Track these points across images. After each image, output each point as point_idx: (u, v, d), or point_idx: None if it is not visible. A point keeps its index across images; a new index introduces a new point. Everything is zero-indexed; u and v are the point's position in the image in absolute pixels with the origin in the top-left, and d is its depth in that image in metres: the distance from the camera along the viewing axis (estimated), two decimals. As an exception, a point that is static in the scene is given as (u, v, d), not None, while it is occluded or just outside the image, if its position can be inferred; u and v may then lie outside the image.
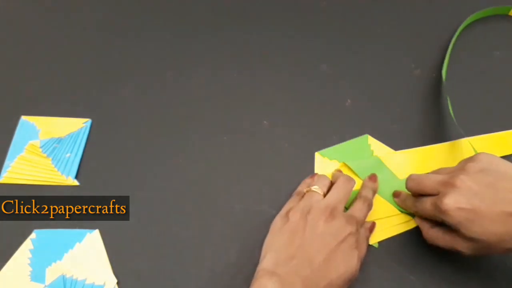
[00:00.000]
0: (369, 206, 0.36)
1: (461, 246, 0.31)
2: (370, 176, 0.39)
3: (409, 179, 0.35)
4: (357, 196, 0.37)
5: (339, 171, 0.40)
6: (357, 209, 0.35)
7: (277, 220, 0.34)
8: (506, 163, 0.31)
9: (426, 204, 0.33)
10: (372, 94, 0.47)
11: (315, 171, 0.41)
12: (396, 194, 0.38)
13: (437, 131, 0.44)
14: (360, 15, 0.53)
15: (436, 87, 0.47)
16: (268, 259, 0.31)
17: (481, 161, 0.31)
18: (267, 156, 0.42)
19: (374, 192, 0.38)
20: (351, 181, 0.36)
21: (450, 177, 0.32)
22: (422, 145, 0.43)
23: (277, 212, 0.36)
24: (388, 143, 0.43)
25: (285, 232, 0.32)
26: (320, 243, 0.31)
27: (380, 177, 0.39)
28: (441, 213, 0.31)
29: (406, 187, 0.36)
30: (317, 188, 0.35)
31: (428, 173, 0.36)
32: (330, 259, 0.30)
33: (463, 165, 0.32)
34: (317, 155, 0.42)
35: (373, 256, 0.36)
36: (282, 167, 0.42)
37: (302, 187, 0.38)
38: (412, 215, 0.37)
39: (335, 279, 0.30)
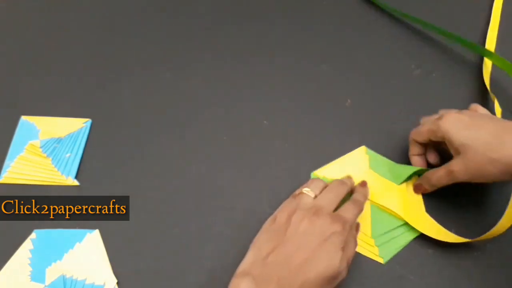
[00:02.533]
0: (359, 207, 0.35)
1: (453, 164, 0.34)
2: (361, 182, 0.39)
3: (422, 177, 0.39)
4: (348, 200, 0.37)
5: (349, 177, 0.39)
6: (346, 209, 0.34)
7: (267, 221, 0.34)
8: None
9: (424, 125, 0.37)
10: (372, 94, 0.47)
11: (344, 158, 0.41)
12: (416, 189, 0.40)
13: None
14: (360, 15, 0.53)
15: (436, 87, 0.47)
16: (247, 258, 0.31)
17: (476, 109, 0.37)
18: (267, 156, 0.42)
19: (365, 197, 0.37)
20: (344, 184, 0.36)
21: (441, 114, 0.36)
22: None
23: (277, 212, 0.36)
24: (388, 143, 0.43)
25: (269, 232, 0.32)
26: (300, 242, 0.30)
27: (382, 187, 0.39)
28: (440, 120, 0.34)
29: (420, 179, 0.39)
30: (309, 191, 0.35)
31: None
32: (310, 258, 0.30)
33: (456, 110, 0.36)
34: (362, 148, 0.42)
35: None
36: (282, 167, 0.42)
37: (297, 190, 0.37)
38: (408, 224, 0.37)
39: (312, 278, 0.29)
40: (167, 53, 0.50)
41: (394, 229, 0.37)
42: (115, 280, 0.35)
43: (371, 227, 0.37)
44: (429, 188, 0.38)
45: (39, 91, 0.47)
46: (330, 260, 0.30)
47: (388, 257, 0.36)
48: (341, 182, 0.36)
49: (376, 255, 0.36)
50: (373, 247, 0.37)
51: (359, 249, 0.36)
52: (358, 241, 0.36)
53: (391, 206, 0.38)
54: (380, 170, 0.40)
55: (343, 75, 0.48)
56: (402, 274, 0.36)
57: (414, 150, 0.39)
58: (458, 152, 0.33)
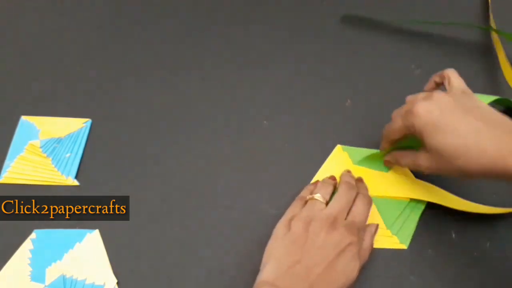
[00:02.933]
0: (369, 202, 0.36)
1: (421, 159, 0.33)
2: (357, 178, 0.39)
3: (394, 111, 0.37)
4: (355, 198, 0.37)
5: (349, 171, 0.40)
6: (358, 212, 0.35)
7: (280, 227, 0.34)
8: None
9: (398, 119, 0.35)
10: (372, 94, 0.47)
11: (327, 163, 0.41)
12: (386, 163, 0.40)
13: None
14: (360, 15, 0.53)
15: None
16: (268, 270, 0.31)
17: (463, 87, 0.34)
18: (267, 156, 0.42)
19: (367, 189, 0.38)
20: (352, 189, 0.36)
21: (429, 93, 0.33)
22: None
23: (277, 212, 0.36)
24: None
25: (287, 242, 0.32)
26: (319, 255, 0.31)
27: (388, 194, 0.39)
28: (411, 114, 0.32)
29: (391, 116, 0.37)
30: (319, 197, 0.35)
31: None
32: (329, 271, 0.30)
33: (449, 89, 0.34)
34: (338, 148, 0.42)
35: (373, 256, 0.36)
36: (282, 167, 0.42)
37: (305, 193, 0.37)
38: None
39: None
40: (167, 53, 0.50)
41: (402, 212, 0.38)
42: (115, 280, 0.35)
43: (381, 219, 0.38)
44: (396, 165, 0.39)
45: (39, 91, 0.47)
46: (349, 272, 0.31)
47: (408, 241, 0.37)
48: (349, 186, 0.37)
49: (397, 243, 0.37)
50: (391, 237, 0.37)
51: (379, 245, 0.37)
52: (377, 237, 0.36)
53: (389, 193, 0.39)
54: (364, 163, 0.41)
55: (343, 75, 0.48)
56: (402, 274, 0.36)
57: (386, 146, 0.38)
58: (427, 150, 0.33)
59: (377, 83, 0.47)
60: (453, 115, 0.31)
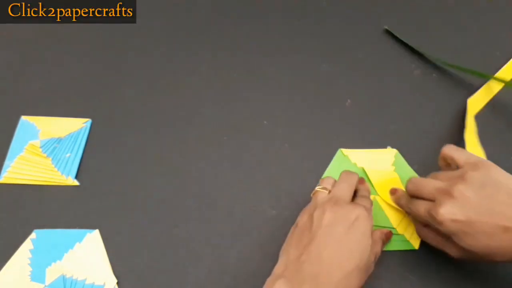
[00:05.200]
0: (370, 201, 0.36)
1: (451, 250, 0.32)
2: (359, 180, 0.39)
3: (409, 182, 0.35)
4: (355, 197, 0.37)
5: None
6: (361, 199, 0.35)
7: (291, 229, 0.33)
8: (507, 174, 0.31)
9: (421, 208, 0.33)
10: (372, 94, 0.47)
11: (331, 166, 0.41)
12: (392, 191, 0.38)
13: (437, 130, 0.44)
14: (360, 15, 0.53)
15: (436, 87, 0.47)
16: (278, 264, 0.31)
17: (482, 171, 0.31)
18: (267, 156, 0.42)
19: (369, 191, 0.38)
20: (353, 173, 0.36)
21: (449, 185, 0.31)
22: (422, 144, 0.43)
23: (277, 212, 0.37)
24: (387, 143, 0.43)
25: (294, 235, 0.32)
26: (327, 234, 0.30)
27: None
28: (435, 222, 0.31)
29: (406, 189, 0.36)
30: (321, 188, 0.35)
31: (428, 176, 0.35)
32: (341, 250, 0.29)
33: (464, 173, 0.31)
34: (339, 151, 0.42)
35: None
36: (282, 167, 0.42)
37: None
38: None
39: (350, 271, 0.29)
40: (166, 53, 0.50)
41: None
42: (115, 280, 0.35)
43: (389, 220, 0.38)
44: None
45: (39, 91, 0.47)
46: (361, 249, 0.30)
47: (418, 240, 0.37)
48: (350, 172, 0.36)
49: (407, 243, 0.37)
50: (399, 235, 0.37)
51: (390, 247, 0.37)
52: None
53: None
54: (400, 174, 0.40)
55: (343, 75, 0.48)
56: (402, 274, 0.36)
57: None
58: (459, 247, 0.31)
59: (377, 83, 0.47)
60: (479, 217, 0.29)
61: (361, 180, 0.39)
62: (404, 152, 0.42)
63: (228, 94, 0.47)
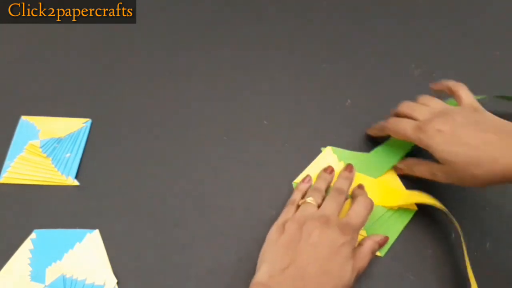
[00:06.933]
0: (368, 205, 0.35)
1: (436, 168, 0.35)
2: (358, 185, 0.39)
3: (403, 104, 0.39)
4: (352, 200, 0.37)
5: (346, 170, 0.40)
6: (355, 214, 0.34)
7: (273, 231, 0.34)
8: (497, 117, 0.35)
9: (408, 124, 0.36)
10: (372, 94, 0.47)
11: (314, 163, 0.41)
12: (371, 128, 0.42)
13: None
14: (360, 15, 0.53)
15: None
16: (262, 271, 0.31)
17: (480, 113, 0.35)
18: (267, 156, 0.42)
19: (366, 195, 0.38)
20: (342, 192, 0.37)
21: (444, 109, 0.35)
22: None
23: (277, 212, 0.36)
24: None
25: (280, 244, 0.32)
26: (313, 254, 0.31)
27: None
28: (422, 132, 0.34)
29: (398, 110, 0.39)
30: (312, 200, 0.35)
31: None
32: (323, 270, 0.30)
33: (463, 109, 0.35)
34: (328, 148, 0.42)
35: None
36: (282, 167, 0.42)
37: (296, 196, 0.37)
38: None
39: None
40: (167, 53, 0.50)
41: (385, 219, 0.38)
42: (115, 280, 0.35)
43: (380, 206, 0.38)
44: (409, 174, 0.39)
45: (39, 91, 0.47)
46: (342, 271, 0.31)
47: (384, 250, 0.37)
48: (338, 191, 0.37)
49: (404, 210, 0.38)
50: (396, 211, 0.38)
51: (397, 226, 0.38)
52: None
53: (375, 200, 0.38)
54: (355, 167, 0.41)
55: (343, 75, 0.48)
56: (402, 274, 0.36)
57: (378, 135, 0.41)
58: (441, 163, 0.34)
59: (377, 83, 0.47)
60: (464, 130, 0.33)
61: (359, 185, 0.39)
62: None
63: (228, 94, 0.47)
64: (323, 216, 0.33)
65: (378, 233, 0.37)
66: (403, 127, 0.36)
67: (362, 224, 0.34)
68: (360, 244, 0.34)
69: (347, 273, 0.31)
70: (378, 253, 0.36)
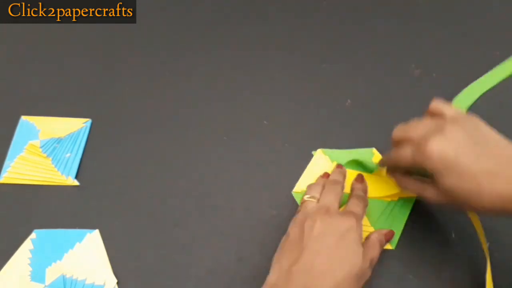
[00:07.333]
0: (364, 201, 0.36)
1: (429, 193, 0.32)
2: (356, 178, 0.39)
3: (396, 128, 0.35)
4: (349, 197, 0.37)
5: (338, 167, 0.40)
6: (353, 204, 0.35)
7: (283, 239, 0.33)
8: (494, 130, 0.31)
9: (407, 149, 0.32)
10: (372, 94, 0.47)
11: (308, 169, 0.41)
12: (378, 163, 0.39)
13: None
14: (360, 15, 0.53)
15: (436, 87, 0.47)
16: (271, 274, 0.31)
17: (473, 121, 0.31)
18: (267, 156, 0.42)
19: (365, 191, 0.38)
20: (338, 182, 0.37)
21: (440, 124, 0.31)
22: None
23: (277, 212, 0.37)
24: (388, 143, 0.43)
25: (286, 246, 0.32)
26: (319, 244, 0.30)
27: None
28: (423, 155, 0.30)
29: (393, 136, 0.35)
30: (309, 197, 0.35)
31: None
32: (332, 258, 0.29)
33: (455, 118, 0.32)
34: (318, 151, 0.42)
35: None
36: (282, 167, 0.42)
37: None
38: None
39: (341, 279, 0.29)
40: (167, 53, 0.50)
41: (389, 212, 0.38)
42: (115, 280, 0.35)
43: (366, 218, 0.38)
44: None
45: (39, 91, 0.47)
46: (353, 256, 0.30)
47: (395, 242, 0.37)
48: (333, 181, 0.37)
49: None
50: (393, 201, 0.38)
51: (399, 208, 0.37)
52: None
53: (374, 194, 0.39)
54: (347, 165, 0.41)
55: (343, 75, 0.48)
56: (402, 274, 0.36)
57: (399, 172, 0.36)
58: (437, 186, 0.31)
59: (377, 83, 0.47)
60: (466, 156, 0.29)
61: (358, 179, 0.39)
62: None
63: (228, 94, 0.47)
64: (322, 207, 0.33)
65: (384, 227, 0.37)
66: (404, 155, 0.33)
67: (362, 213, 0.34)
68: (367, 238, 0.34)
69: (358, 259, 0.30)
70: (389, 246, 0.37)
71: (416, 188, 0.34)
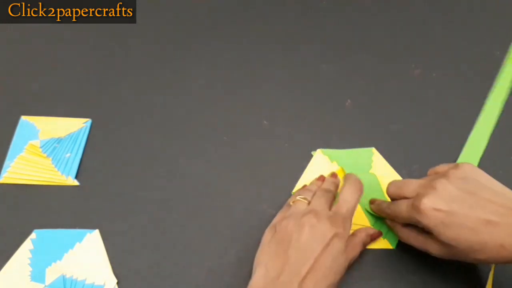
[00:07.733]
0: (358, 190, 0.35)
1: (432, 248, 0.32)
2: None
3: (390, 184, 0.35)
4: (343, 185, 0.37)
5: (333, 175, 0.40)
6: (344, 201, 0.34)
7: (267, 233, 0.34)
8: (487, 175, 0.31)
9: (402, 206, 0.32)
10: (372, 94, 0.47)
11: (308, 169, 0.41)
12: (371, 201, 0.38)
13: (437, 130, 0.44)
14: (360, 15, 0.53)
15: (436, 87, 0.47)
16: (257, 276, 0.31)
17: (463, 169, 0.31)
18: (267, 156, 0.42)
19: (356, 191, 0.37)
20: (329, 191, 0.37)
21: (431, 179, 0.32)
22: (422, 144, 0.43)
23: (277, 212, 0.36)
24: (388, 143, 0.43)
25: (273, 245, 0.32)
26: (306, 251, 0.31)
27: (371, 195, 0.39)
28: (418, 213, 0.30)
29: (387, 192, 0.35)
30: (301, 198, 0.35)
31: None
32: (317, 267, 0.30)
33: (446, 171, 0.32)
34: (318, 151, 0.42)
35: (373, 256, 0.36)
36: (282, 167, 0.42)
37: (290, 199, 0.37)
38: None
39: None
40: (167, 53, 0.50)
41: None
42: (115, 280, 0.35)
43: (366, 218, 0.38)
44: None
45: (39, 91, 0.47)
46: (337, 268, 0.31)
47: (396, 241, 0.37)
48: (325, 190, 0.37)
49: (385, 243, 0.37)
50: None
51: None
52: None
53: (374, 194, 0.39)
54: (346, 165, 0.41)
55: (343, 75, 0.48)
56: (402, 274, 0.36)
57: (399, 222, 0.35)
58: (441, 242, 0.31)
59: (377, 83, 0.47)
60: (460, 209, 0.29)
61: (334, 174, 0.39)
62: (404, 152, 0.42)
63: (228, 93, 0.47)
64: (312, 211, 0.33)
65: (384, 227, 0.37)
66: (399, 211, 0.33)
67: (352, 210, 0.34)
68: (353, 235, 0.35)
69: (342, 268, 0.31)
70: (389, 246, 0.37)
71: (418, 243, 0.33)
